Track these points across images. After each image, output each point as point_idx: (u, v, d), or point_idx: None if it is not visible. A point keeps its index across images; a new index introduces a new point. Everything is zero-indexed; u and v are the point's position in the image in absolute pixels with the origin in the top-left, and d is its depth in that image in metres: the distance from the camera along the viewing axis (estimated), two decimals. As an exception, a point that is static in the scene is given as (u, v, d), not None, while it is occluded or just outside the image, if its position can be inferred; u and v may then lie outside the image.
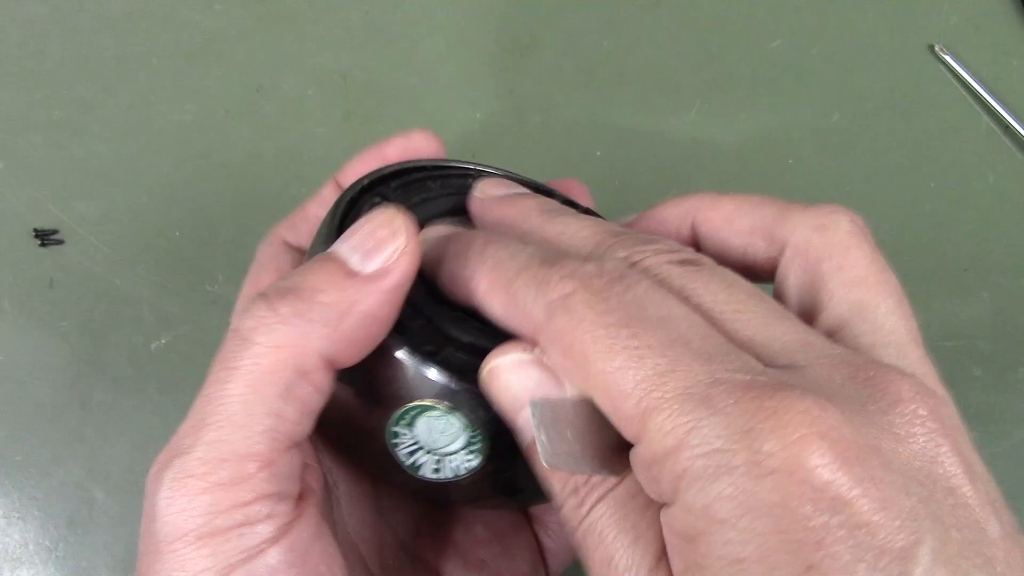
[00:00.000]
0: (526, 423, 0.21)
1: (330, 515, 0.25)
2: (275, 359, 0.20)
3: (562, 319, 0.19)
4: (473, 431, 0.23)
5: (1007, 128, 0.44)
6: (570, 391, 0.20)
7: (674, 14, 0.47)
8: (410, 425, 0.23)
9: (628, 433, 0.18)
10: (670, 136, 0.44)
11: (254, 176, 0.43)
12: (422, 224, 0.27)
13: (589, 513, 0.20)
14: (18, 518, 0.36)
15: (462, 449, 0.23)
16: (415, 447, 0.24)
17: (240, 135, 0.44)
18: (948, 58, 0.45)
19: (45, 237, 0.41)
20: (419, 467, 0.24)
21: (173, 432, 0.21)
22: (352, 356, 0.22)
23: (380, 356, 0.23)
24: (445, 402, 0.23)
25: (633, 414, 0.18)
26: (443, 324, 0.24)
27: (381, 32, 0.47)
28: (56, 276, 0.40)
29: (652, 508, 0.19)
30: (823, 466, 0.16)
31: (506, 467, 0.24)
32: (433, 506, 0.29)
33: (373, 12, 0.47)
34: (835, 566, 0.16)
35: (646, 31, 0.47)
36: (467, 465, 0.24)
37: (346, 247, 0.22)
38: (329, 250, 0.22)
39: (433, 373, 0.22)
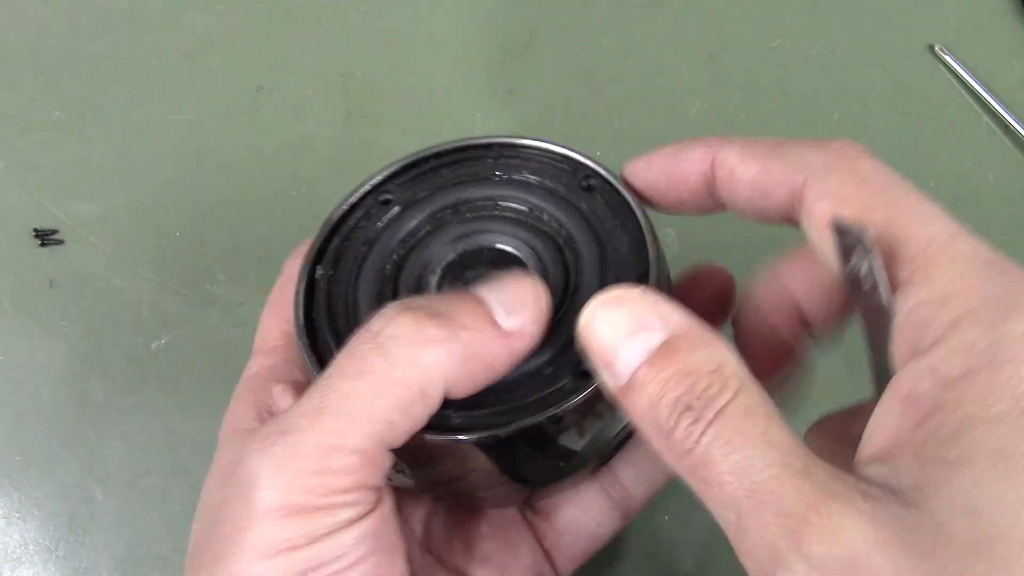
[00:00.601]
0: (626, 360, 0.21)
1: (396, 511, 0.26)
2: (407, 374, 0.21)
3: (866, 154, 0.22)
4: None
5: (1007, 128, 0.44)
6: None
7: (674, 14, 0.47)
8: None
9: (920, 268, 0.21)
10: (670, 136, 0.44)
11: (254, 176, 0.43)
12: (431, 212, 0.28)
13: (708, 429, 0.19)
14: (18, 518, 0.36)
15: None
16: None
17: (240, 135, 0.44)
18: (948, 58, 0.45)
19: (45, 237, 0.41)
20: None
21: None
22: (458, 394, 0.23)
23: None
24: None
25: (943, 257, 0.21)
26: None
27: (381, 32, 0.47)
28: (56, 276, 0.40)
29: (773, 418, 0.19)
30: None
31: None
32: (447, 506, 0.30)
33: (373, 12, 0.47)
34: None
35: (646, 31, 0.47)
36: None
37: (494, 297, 0.23)
38: (478, 294, 0.23)
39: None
